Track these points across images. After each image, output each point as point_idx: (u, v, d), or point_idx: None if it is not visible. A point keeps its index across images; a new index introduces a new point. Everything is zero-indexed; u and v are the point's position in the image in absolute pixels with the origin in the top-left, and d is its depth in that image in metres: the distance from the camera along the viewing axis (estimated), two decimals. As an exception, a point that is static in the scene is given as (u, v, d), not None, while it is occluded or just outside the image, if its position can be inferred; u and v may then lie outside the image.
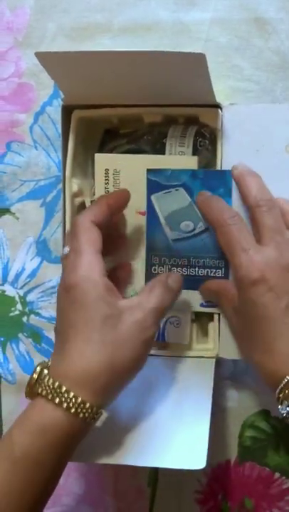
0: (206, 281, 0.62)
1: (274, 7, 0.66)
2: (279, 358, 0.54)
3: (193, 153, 0.62)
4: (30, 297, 0.71)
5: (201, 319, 0.65)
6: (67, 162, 0.64)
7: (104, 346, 0.52)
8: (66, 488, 0.71)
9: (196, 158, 0.61)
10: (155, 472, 0.69)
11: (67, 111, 0.64)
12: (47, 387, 0.51)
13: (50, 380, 0.51)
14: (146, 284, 0.57)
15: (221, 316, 0.63)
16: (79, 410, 0.50)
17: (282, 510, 0.68)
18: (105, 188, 0.63)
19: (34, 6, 0.70)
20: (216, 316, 0.63)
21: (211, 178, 0.61)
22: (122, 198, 0.61)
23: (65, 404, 0.50)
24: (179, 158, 0.62)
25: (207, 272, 0.62)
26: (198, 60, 0.53)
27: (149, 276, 0.63)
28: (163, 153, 0.63)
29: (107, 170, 0.63)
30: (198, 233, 0.62)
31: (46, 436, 0.50)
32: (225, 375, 0.68)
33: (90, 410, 0.51)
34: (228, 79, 0.66)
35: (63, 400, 0.50)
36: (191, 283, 0.63)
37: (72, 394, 0.50)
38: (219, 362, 0.64)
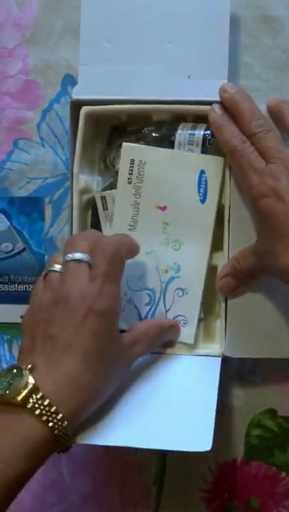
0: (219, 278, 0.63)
1: (283, 5, 0.66)
2: None
3: (202, 152, 0.62)
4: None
5: (208, 318, 0.65)
6: (75, 158, 0.64)
7: (99, 380, 0.54)
8: (72, 486, 0.70)
9: (222, 159, 0.62)
10: (161, 470, 0.69)
11: (75, 107, 0.64)
12: (39, 404, 0.50)
13: (46, 401, 0.50)
14: (147, 321, 0.63)
15: (228, 315, 0.63)
16: (59, 430, 0.50)
17: (288, 509, 0.68)
18: (128, 178, 0.63)
19: (42, 2, 0.70)
20: (222, 314, 0.63)
21: (27, 204, 0.67)
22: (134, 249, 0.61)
23: (50, 424, 0.50)
24: (208, 157, 0.62)
25: (25, 287, 0.66)
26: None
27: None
28: (171, 150, 0.63)
29: (132, 160, 0.63)
30: (17, 253, 0.69)
31: (32, 453, 0.50)
32: (231, 374, 0.68)
33: (66, 432, 0.51)
34: (236, 77, 0.66)
35: (50, 419, 0.50)
36: (13, 298, 0.69)
37: (60, 416, 0.50)
38: (226, 361, 0.63)
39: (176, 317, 0.64)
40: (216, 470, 0.69)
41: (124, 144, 0.63)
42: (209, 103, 0.61)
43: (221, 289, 0.63)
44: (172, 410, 0.58)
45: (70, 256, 0.56)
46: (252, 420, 0.68)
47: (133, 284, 0.64)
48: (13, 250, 0.71)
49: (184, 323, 0.64)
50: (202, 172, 0.62)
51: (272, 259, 0.57)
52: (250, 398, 0.68)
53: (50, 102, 0.70)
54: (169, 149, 0.63)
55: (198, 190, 0.62)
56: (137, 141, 0.65)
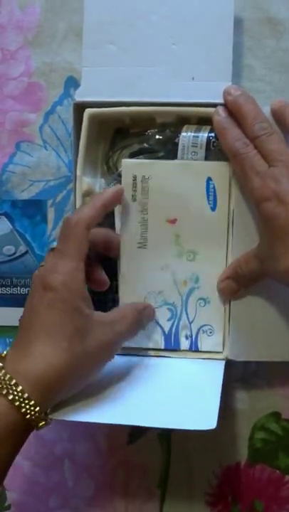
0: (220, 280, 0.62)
1: (286, 7, 0.66)
2: None
3: (206, 154, 0.62)
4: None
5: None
6: (79, 160, 0.64)
7: (70, 356, 0.53)
8: (75, 490, 0.70)
9: (227, 164, 0.61)
10: (165, 474, 0.69)
11: (78, 109, 0.63)
12: (2, 382, 0.51)
13: (8, 376, 0.51)
14: (122, 306, 0.61)
15: (231, 318, 0.62)
16: (28, 412, 0.51)
17: (292, 512, 0.68)
18: (132, 195, 0.62)
19: (44, 4, 0.70)
20: (226, 318, 0.63)
21: (29, 206, 0.67)
22: (118, 196, 0.60)
23: (17, 403, 0.50)
24: (213, 164, 0.62)
25: (28, 290, 0.64)
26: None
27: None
28: (175, 153, 0.63)
29: (135, 176, 0.62)
30: (19, 256, 0.69)
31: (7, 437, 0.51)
32: (235, 377, 0.68)
33: (37, 414, 0.51)
34: (240, 79, 0.66)
35: (17, 398, 0.51)
36: (14, 301, 0.69)
37: (26, 395, 0.51)
38: (229, 364, 0.63)
39: (200, 327, 0.64)
40: (220, 473, 0.68)
41: (124, 161, 0.63)
42: (213, 105, 0.61)
43: (222, 292, 0.62)
44: (175, 393, 0.59)
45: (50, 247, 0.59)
46: (256, 423, 0.68)
47: (153, 301, 0.64)
48: (15, 253, 0.70)
49: (210, 333, 0.64)
50: (209, 179, 0.62)
51: (273, 262, 0.57)
52: (254, 401, 0.68)
53: (52, 105, 0.70)
54: (171, 161, 0.62)
55: (208, 198, 0.62)
56: (139, 143, 0.65)
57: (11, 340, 0.71)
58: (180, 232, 0.63)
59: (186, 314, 0.64)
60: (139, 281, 0.63)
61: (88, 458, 0.70)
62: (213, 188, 0.62)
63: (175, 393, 0.59)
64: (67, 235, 0.56)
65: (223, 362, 0.63)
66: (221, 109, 0.60)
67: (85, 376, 0.56)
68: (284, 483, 0.68)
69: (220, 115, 0.60)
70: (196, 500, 0.69)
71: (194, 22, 0.61)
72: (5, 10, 0.70)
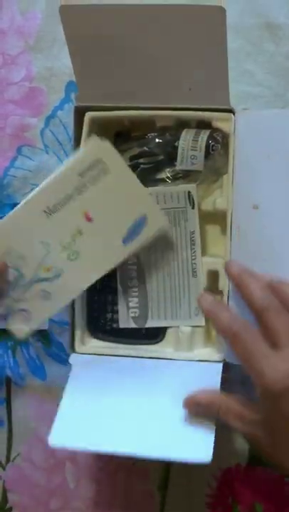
0: (189, 396, 0.58)
1: (285, 12, 0.66)
2: None
3: (206, 158, 0.62)
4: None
5: (208, 323, 0.65)
6: None
7: None
8: (76, 492, 0.71)
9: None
10: (166, 476, 0.69)
11: (79, 113, 0.64)
12: None
13: None
14: None
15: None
16: None
17: (292, 514, 0.68)
18: (82, 172, 0.60)
19: (45, 9, 0.70)
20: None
21: None
22: None
23: None
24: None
25: None
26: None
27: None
28: (175, 156, 0.63)
29: (99, 159, 0.60)
30: None
31: None
32: (235, 380, 0.68)
33: None
34: (239, 84, 0.67)
35: None
36: None
37: None
38: (228, 366, 0.63)
39: (20, 309, 0.62)
40: (220, 475, 0.69)
41: (97, 141, 0.60)
42: (212, 110, 0.61)
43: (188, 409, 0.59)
44: (172, 419, 0.58)
45: None
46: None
47: (11, 258, 0.61)
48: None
49: (25, 317, 0.62)
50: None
51: (276, 452, 0.54)
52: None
53: (53, 109, 0.70)
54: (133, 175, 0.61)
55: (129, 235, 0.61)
56: (139, 147, 0.65)
57: (11, 343, 0.72)
58: (85, 231, 0.61)
59: (24, 291, 0.62)
60: None
61: (89, 460, 0.70)
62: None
63: (172, 414, 0.58)
64: None
65: (221, 364, 0.63)
66: (205, 295, 0.60)
67: None
68: (284, 485, 0.68)
69: (206, 300, 0.59)
70: (196, 502, 0.69)
71: (186, 34, 0.58)
72: (6, 15, 0.71)
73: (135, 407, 0.59)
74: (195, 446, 0.55)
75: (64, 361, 0.70)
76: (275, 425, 0.53)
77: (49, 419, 0.70)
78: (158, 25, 0.56)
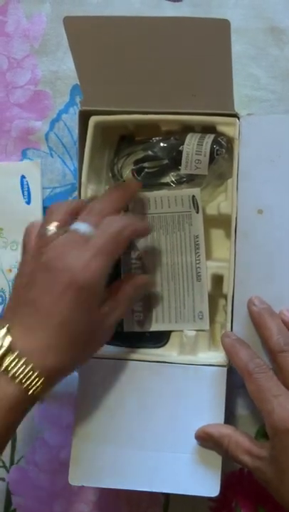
0: (201, 428, 0.61)
1: (290, 16, 0.66)
2: None
3: (210, 162, 0.62)
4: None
5: (212, 326, 0.66)
6: (84, 167, 0.64)
7: (73, 347, 0.55)
8: (80, 495, 0.71)
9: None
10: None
11: (84, 116, 0.64)
12: (15, 364, 0.52)
13: (22, 360, 0.52)
14: (116, 295, 0.59)
15: (234, 324, 0.63)
16: (35, 388, 0.53)
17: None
18: None
19: (50, 13, 0.71)
20: (228, 325, 0.63)
21: None
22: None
23: (26, 383, 0.52)
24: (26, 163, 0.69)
25: None
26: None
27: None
28: (179, 160, 0.63)
29: None
30: None
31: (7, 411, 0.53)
32: (238, 384, 0.68)
33: (43, 389, 0.53)
34: (244, 88, 0.67)
35: (26, 378, 0.52)
36: None
37: (36, 373, 0.53)
38: (232, 370, 0.64)
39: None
40: (224, 479, 0.68)
41: None
42: (217, 114, 0.61)
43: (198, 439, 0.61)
44: (182, 449, 0.61)
45: (75, 226, 0.56)
46: (258, 430, 0.67)
47: None
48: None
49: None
50: (23, 177, 0.67)
51: (286, 492, 0.55)
52: (256, 408, 0.68)
53: (58, 113, 0.70)
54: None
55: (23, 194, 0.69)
56: (144, 150, 0.65)
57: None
58: (2, 225, 0.68)
59: None
60: None
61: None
62: (27, 184, 0.67)
63: (178, 443, 0.61)
64: (106, 228, 0.56)
65: (225, 369, 0.63)
66: (229, 332, 0.62)
67: (82, 361, 0.59)
68: (287, 489, 0.68)
69: (229, 337, 0.61)
70: (199, 506, 0.69)
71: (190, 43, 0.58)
72: (11, 19, 0.71)
73: (145, 428, 0.62)
74: (203, 480, 0.60)
75: (68, 364, 0.71)
76: (282, 463, 0.55)
77: (53, 421, 0.71)
78: (162, 36, 0.56)
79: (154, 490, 0.60)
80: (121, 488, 0.61)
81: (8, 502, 0.72)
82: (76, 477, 0.62)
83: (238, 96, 0.66)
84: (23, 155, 0.71)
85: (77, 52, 0.59)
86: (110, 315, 0.58)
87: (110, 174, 0.67)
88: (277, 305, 0.61)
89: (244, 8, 0.67)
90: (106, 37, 0.57)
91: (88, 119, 0.64)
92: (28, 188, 0.70)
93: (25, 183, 0.70)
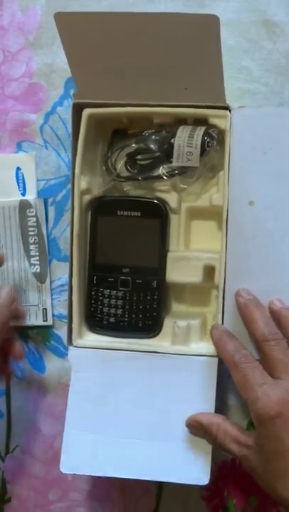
0: (192, 416, 0.62)
1: (283, 10, 0.67)
2: None
3: (201, 154, 0.63)
4: (39, 295, 0.72)
5: (204, 316, 0.67)
6: (77, 159, 0.65)
7: None
8: (74, 484, 0.71)
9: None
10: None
11: (77, 109, 0.64)
12: None
13: None
14: None
15: (225, 314, 0.63)
16: None
17: (286, 507, 0.68)
18: None
19: (45, 6, 0.71)
20: (219, 316, 0.63)
21: None
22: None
23: None
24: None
25: None
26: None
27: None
28: (171, 153, 0.63)
29: None
30: None
31: None
32: (229, 373, 0.68)
33: None
34: (236, 80, 0.67)
35: None
36: None
37: None
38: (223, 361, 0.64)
39: None
40: (216, 469, 0.69)
41: None
42: (209, 107, 0.62)
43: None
44: (172, 438, 0.62)
45: None
46: (250, 420, 0.68)
47: None
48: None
49: None
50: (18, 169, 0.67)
51: (273, 481, 0.56)
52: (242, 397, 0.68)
53: (53, 105, 0.71)
54: None
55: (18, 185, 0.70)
56: (136, 143, 0.65)
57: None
58: None
59: None
60: None
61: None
62: (22, 176, 0.68)
63: (172, 432, 0.62)
64: None
65: (216, 359, 0.63)
66: (218, 324, 0.62)
67: None
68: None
69: (218, 329, 0.62)
70: (192, 495, 0.70)
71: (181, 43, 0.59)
72: (6, 12, 0.71)
73: (136, 418, 0.63)
74: (193, 468, 0.61)
75: (63, 355, 0.71)
76: (267, 451, 0.56)
77: (47, 411, 0.71)
78: (154, 32, 0.56)
79: (144, 478, 0.61)
80: (112, 476, 0.62)
81: (3, 491, 0.73)
82: (68, 465, 0.63)
83: (231, 88, 0.67)
84: (18, 147, 0.72)
85: (69, 46, 0.60)
86: None
87: (104, 167, 0.67)
88: (268, 295, 0.62)
89: (237, 1, 0.67)
90: (98, 32, 0.58)
91: (82, 111, 0.64)
92: (24, 179, 0.71)
93: (20, 175, 0.71)
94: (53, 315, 0.72)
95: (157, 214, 0.65)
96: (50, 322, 0.72)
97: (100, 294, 0.66)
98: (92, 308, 0.66)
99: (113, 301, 0.66)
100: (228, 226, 0.62)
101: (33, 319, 0.71)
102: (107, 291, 0.66)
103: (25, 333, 0.72)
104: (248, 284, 0.62)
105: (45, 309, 0.72)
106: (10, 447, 0.72)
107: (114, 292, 0.66)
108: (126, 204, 0.66)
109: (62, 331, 0.71)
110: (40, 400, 0.72)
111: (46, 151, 0.71)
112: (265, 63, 0.67)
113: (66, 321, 0.67)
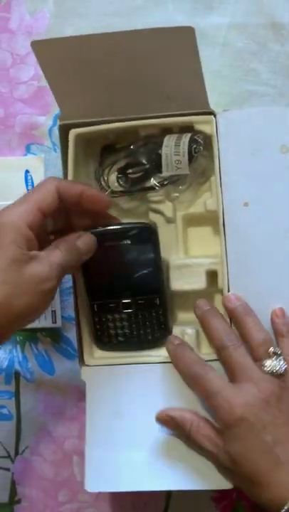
0: (163, 410, 0.61)
1: (291, 12, 0.67)
2: (275, 489, 0.54)
3: (189, 161, 0.62)
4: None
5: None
6: (69, 179, 0.64)
7: (3, 286, 0.53)
8: (83, 486, 0.71)
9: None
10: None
11: (64, 130, 0.64)
12: None
13: None
14: (56, 240, 0.59)
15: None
16: None
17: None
18: None
19: (53, 10, 0.71)
20: (227, 320, 0.62)
21: None
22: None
23: None
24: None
25: None
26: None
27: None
28: (160, 163, 0.63)
29: None
30: None
31: None
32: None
33: None
34: (245, 83, 0.67)
35: None
36: None
37: None
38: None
39: None
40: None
41: None
42: (193, 114, 0.62)
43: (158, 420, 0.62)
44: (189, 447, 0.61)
45: None
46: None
47: None
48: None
49: None
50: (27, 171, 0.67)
51: (240, 480, 0.57)
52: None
53: (61, 108, 0.71)
54: None
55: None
56: (125, 158, 0.65)
57: (20, 338, 0.73)
58: None
59: None
60: None
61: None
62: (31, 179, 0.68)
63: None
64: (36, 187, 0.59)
65: None
66: (172, 338, 0.62)
67: (24, 305, 0.55)
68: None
69: (173, 343, 0.62)
70: (201, 495, 0.70)
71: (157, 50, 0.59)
72: (15, 15, 0.72)
73: (155, 429, 0.62)
74: (215, 473, 0.60)
75: (72, 356, 0.71)
76: (232, 455, 0.56)
77: (57, 413, 0.72)
78: (131, 49, 0.57)
79: (170, 488, 0.63)
80: (138, 490, 0.61)
81: (13, 492, 0.73)
82: (92, 484, 0.63)
83: (240, 91, 0.67)
84: (27, 150, 0.72)
85: (49, 71, 0.60)
86: (46, 259, 0.56)
87: (98, 184, 0.67)
88: (271, 294, 0.62)
89: (245, 3, 0.67)
90: (76, 55, 0.58)
91: (68, 132, 0.64)
92: (32, 182, 0.71)
93: (29, 177, 0.71)
94: (62, 317, 0.72)
95: (146, 238, 0.64)
96: (59, 324, 0.72)
97: (103, 320, 0.65)
98: (99, 333, 0.65)
99: (119, 324, 0.65)
100: (226, 229, 0.62)
101: (42, 321, 0.71)
102: (110, 316, 0.65)
103: (34, 335, 0.72)
104: (251, 285, 0.62)
105: (54, 311, 0.72)
106: (19, 449, 0.73)
107: (117, 316, 0.65)
108: (112, 235, 0.63)
109: (71, 333, 0.71)
110: (49, 401, 0.72)
111: (55, 154, 0.71)
112: (273, 65, 0.67)
113: (75, 322, 0.66)
